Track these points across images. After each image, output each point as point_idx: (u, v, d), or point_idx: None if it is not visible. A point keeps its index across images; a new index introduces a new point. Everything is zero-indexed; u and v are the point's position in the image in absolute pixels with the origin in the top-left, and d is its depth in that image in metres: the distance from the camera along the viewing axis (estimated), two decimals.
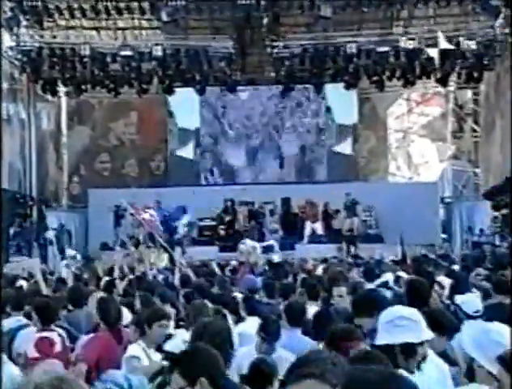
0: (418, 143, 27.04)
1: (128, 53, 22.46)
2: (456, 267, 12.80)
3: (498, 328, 3.55)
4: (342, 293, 7.20)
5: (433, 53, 21.57)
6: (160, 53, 22.28)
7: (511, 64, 20.42)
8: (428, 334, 3.90)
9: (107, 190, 23.36)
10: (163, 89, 25.04)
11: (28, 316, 6.78)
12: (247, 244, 16.70)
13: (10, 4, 20.79)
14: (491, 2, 20.62)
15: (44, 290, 8.34)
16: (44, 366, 5.11)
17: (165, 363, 4.39)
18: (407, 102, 27.00)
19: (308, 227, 22.46)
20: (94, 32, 24.01)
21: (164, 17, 21.59)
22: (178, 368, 3.55)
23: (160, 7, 21.64)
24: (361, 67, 23.21)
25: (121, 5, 22.12)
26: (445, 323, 5.05)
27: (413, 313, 3.93)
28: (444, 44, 21.31)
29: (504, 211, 21.41)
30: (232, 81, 24.68)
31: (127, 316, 6.52)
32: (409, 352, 3.77)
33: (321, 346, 4.77)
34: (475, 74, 23.25)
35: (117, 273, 10.59)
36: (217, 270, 12.36)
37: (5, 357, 5.31)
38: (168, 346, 5.53)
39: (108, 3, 21.76)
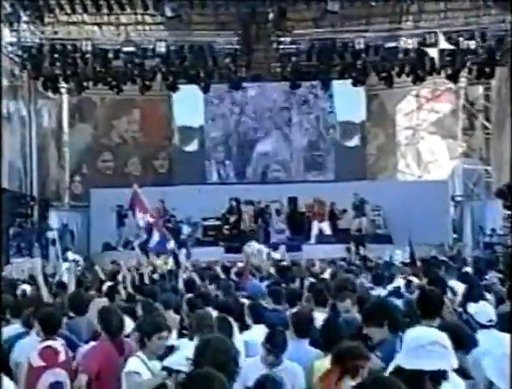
0: (428, 140, 26.62)
1: (131, 49, 22.11)
2: (468, 269, 12.77)
3: None
4: (347, 307, 7.08)
5: (433, 53, 21.09)
6: (163, 50, 21.88)
7: None
8: (456, 360, 3.79)
9: (109, 189, 23.06)
10: (166, 86, 24.73)
11: (27, 323, 6.65)
12: (252, 246, 16.41)
13: None
14: None
15: (46, 296, 8.17)
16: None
17: (165, 375, 4.64)
18: (416, 99, 26.55)
19: (315, 227, 22.14)
20: (96, 28, 23.66)
21: (168, 12, 21.28)
22: None
23: (164, 2, 21.33)
24: (369, 63, 22.71)
25: (124, 0, 21.74)
26: (463, 339, 4.97)
27: (444, 338, 3.79)
28: (444, 44, 20.84)
29: None
30: (238, 78, 24.28)
31: (129, 324, 6.33)
32: (439, 379, 3.69)
33: (328, 359, 4.79)
34: (487, 70, 22.72)
35: (121, 278, 10.34)
36: (222, 275, 12.03)
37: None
38: (170, 361, 5.18)
39: None
